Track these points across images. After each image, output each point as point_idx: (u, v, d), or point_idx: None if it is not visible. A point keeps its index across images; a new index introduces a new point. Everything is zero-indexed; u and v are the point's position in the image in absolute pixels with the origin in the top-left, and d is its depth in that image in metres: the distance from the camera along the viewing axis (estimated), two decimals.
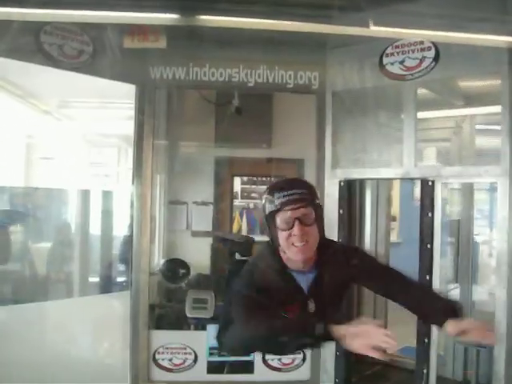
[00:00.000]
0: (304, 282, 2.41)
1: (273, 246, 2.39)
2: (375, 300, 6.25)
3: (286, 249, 2.31)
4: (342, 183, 4.77)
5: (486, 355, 5.17)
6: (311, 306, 2.44)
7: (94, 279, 5.49)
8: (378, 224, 6.24)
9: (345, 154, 4.82)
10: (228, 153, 5.88)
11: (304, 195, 2.28)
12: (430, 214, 4.35)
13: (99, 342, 4.77)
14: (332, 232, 4.77)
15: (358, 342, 2.01)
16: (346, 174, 4.80)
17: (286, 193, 2.28)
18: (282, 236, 2.29)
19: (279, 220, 2.28)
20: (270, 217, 2.31)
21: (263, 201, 2.36)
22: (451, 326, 2.29)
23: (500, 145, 4.12)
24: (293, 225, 2.26)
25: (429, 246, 4.34)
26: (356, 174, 4.79)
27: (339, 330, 2.06)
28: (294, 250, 2.29)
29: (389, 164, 4.63)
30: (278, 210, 2.28)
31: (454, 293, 5.67)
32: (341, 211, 4.76)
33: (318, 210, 2.34)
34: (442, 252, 4.41)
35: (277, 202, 2.28)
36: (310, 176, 5.21)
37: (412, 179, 4.91)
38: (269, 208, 2.31)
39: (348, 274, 2.49)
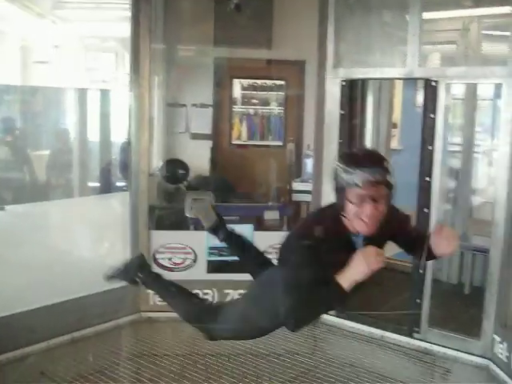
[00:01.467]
0: (358, 242, 2.40)
1: (336, 209, 2.37)
2: None
3: (352, 219, 2.30)
4: (343, 83, 4.67)
5: (481, 259, 5.27)
6: None
7: (94, 183, 5.51)
8: (379, 128, 6.18)
9: (347, 54, 4.69)
10: (227, 54, 5.75)
11: (382, 175, 2.23)
12: (432, 116, 4.28)
13: (100, 241, 4.81)
14: (333, 133, 4.73)
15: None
16: (348, 73, 4.68)
17: (365, 170, 2.21)
18: (350, 207, 2.27)
19: (352, 194, 2.25)
20: (343, 188, 2.28)
21: (337, 168, 2.32)
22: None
23: (507, 48, 4.00)
24: (366, 202, 2.23)
25: (430, 147, 4.29)
26: (358, 73, 4.68)
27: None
28: (360, 224, 2.28)
29: (392, 64, 4.51)
30: (353, 186, 2.24)
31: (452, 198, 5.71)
32: (342, 112, 4.69)
33: (390, 187, 2.28)
34: (442, 157, 4.36)
35: (355, 177, 2.22)
36: (311, 76, 5.11)
37: (415, 79, 4.82)
38: (344, 180, 2.27)
39: (391, 235, 2.57)
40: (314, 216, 2.67)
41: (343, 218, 2.34)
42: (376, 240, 2.36)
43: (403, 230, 2.62)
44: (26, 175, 5.30)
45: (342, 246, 2.36)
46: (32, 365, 4.01)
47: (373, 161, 2.28)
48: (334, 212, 2.39)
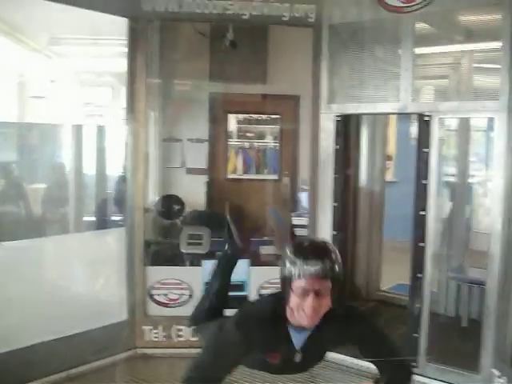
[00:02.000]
0: (299, 337, 2.38)
1: (281, 299, 2.31)
2: (370, 239, 6.29)
3: (294, 310, 2.26)
4: (338, 118, 4.71)
5: (478, 291, 5.25)
6: (298, 358, 2.44)
7: (90, 218, 5.50)
8: (373, 162, 6.22)
9: (341, 89, 4.74)
10: (223, 89, 5.80)
11: (326, 268, 2.19)
12: (426, 150, 4.31)
13: (95, 277, 4.79)
14: (328, 168, 4.76)
15: None
16: (343, 108, 4.73)
17: (309, 262, 2.19)
18: (294, 299, 2.23)
19: (296, 286, 2.21)
20: (288, 278, 2.25)
21: (286, 257, 2.27)
22: None
23: (499, 82, 4.05)
24: (308, 295, 2.21)
25: (424, 181, 4.32)
26: (352, 108, 4.72)
27: None
28: (302, 315, 2.24)
29: (386, 99, 4.56)
30: (297, 277, 2.22)
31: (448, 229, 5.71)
32: (337, 147, 4.72)
33: (336, 280, 2.25)
34: (437, 189, 4.38)
35: (298, 269, 2.19)
36: (305, 111, 5.15)
37: (409, 114, 4.86)
38: (288, 270, 2.23)
39: (346, 340, 2.49)
40: (256, 304, 2.64)
41: (287, 309, 2.30)
42: (319, 340, 2.37)
43: (363, 341, 2.47)
44: (21, 210, 5.30)
45: (280, 339, 2.35)
46: None
47: (319, 253, 2.22)
48: (278, 302, 2.33)
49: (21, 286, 4.47)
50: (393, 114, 5.25)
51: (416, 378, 4.35)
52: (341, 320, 2.36)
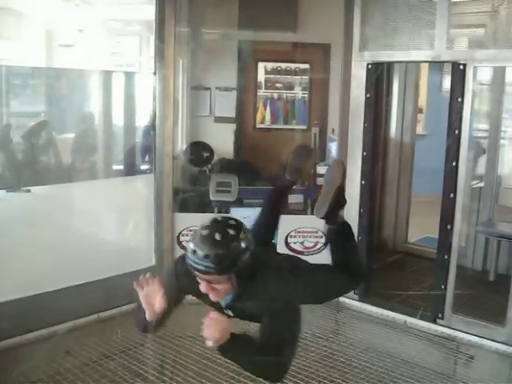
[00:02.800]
0: (224, 299, 2.47)
1: None
2: (398, 191, 6.24)
3: None
4: (369, 66, 4.62)
5: (507, 245, 5.22)
6: (229, 313, 2.54)
7: (118, 166, 5.54)
8: (404, 113, 6.12)
9: (373, 37, 4.63)
10: (252, 37, 5.71)
11: (211, 266, 2.23)
12: (459, 99, 4.22)
13: (124, 223, 4.84)
14: (358, 117, 4.70)
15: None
16: (375, 56, 4.62)
17: (195, 256, 2.25)
18: None
19: None
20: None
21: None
22: None
23: None
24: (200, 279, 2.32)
25: (457, 131, 4.23)
26: (385, 56, 4.62)
27: None
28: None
29: (419, 47, 4.45)
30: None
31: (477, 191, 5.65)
32: (368, 95, 4.65)
33: (229, 270, 2.28)
34: (469, 143, 4.30)
35: (187, 259, 2.30)
36: (336, 59, 5.07)
37: (443, 62, 4.75)
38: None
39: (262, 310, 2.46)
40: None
41: None
42: (241, 304, 2.45)
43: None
44: (51, 158, 5.35)
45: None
46: (58, 344, 4.06)
47: (207, 248, 2.24)
48: None
49: (52, 232, 4.57)
50: (426, 62, 5.12)
51: (442, 329, 4.39)
52: (258, 292, 2.41)
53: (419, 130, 7.90)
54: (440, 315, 4.43)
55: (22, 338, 4.07)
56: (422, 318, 4.52)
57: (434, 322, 4.47)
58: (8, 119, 5.04)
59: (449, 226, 4.33)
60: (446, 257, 4.36)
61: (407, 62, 5.37)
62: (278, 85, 6.50)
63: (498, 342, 4.16)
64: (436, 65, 7.36)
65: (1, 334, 3.95)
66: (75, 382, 3.69)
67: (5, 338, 3.98)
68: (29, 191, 4.84)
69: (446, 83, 8.25)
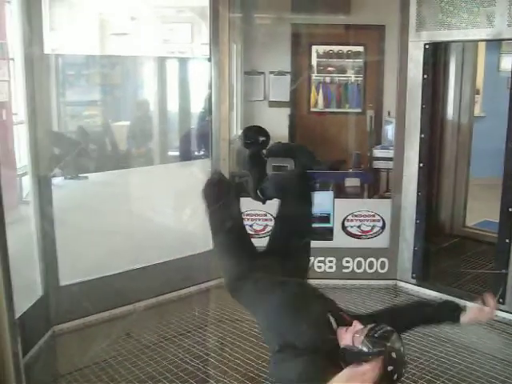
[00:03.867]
0: None
1: None
2: (456, 174, 6.12)
3: None
4: (427, 46, 4.52)
5: None
6: None
7: (174, 152, 5.59)
8: (462, 94, 5.98)
9: (430, 16, 4.52)
10: (305, 20, 5.68)
11: None
12: None
13: (182, 208, 4.88)
14: (415, 98, 4.62)
15: None
16: (432, 36, 4.52)
17: None
18: None
19: None
20: None
21: None
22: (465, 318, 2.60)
23: None
24: None
25: None
26: (443, 35, 4.50)
27: None
28: None
29: (478, 25, 4.32)
30: None
31: None
32: (425, 76, 4.56)
33: None
34: None
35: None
36: (390, 41, 5.00)
37: (504, 40, 4.61)
38: None
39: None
40: None
41: None
42: None
43: None
44: (107, 146, 5.44)
45: None
46: (119, 326, 4.16)
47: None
48: None
49: (111, 218, 4.65)
50: (487, 40, 4.98)
51: (503, 314, 4.30)
52: None
53: (477, 111, 7.71)
54: (501, 300, 4.33)
55: (85, 320, 4.18)
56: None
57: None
58: (65, 108, 5.12)
59: (510, 209, 4.22)
60: (507, 240, 4.25)
61: (466, 42, 5.23)
62: (329, 68, 6.46)
63: None
64: (493, 44, 7.17)
65: (65, 316, 4.07)
66: (137, 363, 3.76)
67: (68, 320, 4.10)
68: (86, 178, 4.94)
69: (504, 63, 8.07)
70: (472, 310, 2.61)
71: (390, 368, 2.13)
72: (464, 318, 2.58)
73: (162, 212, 4.99)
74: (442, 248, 5.65)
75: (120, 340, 4.00)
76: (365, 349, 2.18)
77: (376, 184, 5.63)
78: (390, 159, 5.10)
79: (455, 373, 3.56)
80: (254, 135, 5.27)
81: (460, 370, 3.60)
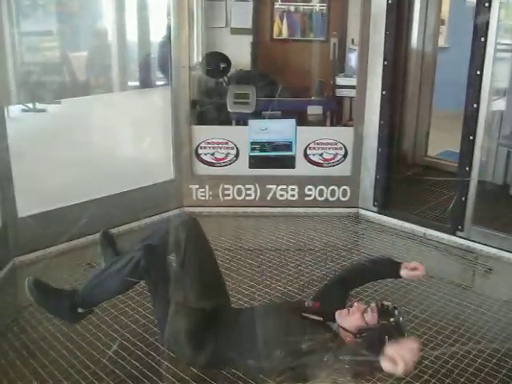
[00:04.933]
0: None
1: None
2: (419, 104, 6.11)
3: None
4: None
5: None
6: None
7: (134, 81, 5.45)
8: (426, 23, 5.89)
9: None
10: None
11: None
12: (486, 4, 4.03)
13: (142, 137, 4.79)
14: (379, 24, 4.55)
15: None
16: None
17: None
18: None
19: None
20: None
21: None
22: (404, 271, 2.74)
23: None
24: None
25: (483, 39, 4.07)
26: None
27: None
28: None
29: None
30: None
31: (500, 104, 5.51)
32: (389, 1, 4.46)
33: None
34: (495, 50, 4.13)
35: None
36: None
37: None
38: None
39: None
40: None
41: None
42: None
43: None
44: (65, 76, 5.27)
45: None
46: (80, 257, 4.12)
47: None
48: None
49: (70, 149, 4.54)
50: None
51: (461, 241, 4.39)
52: None
53: (441, 42, 7.66)
54: (460, 227, 4.41)
55: (46, 252, 4.13)
56: (441, 230, 4.51)
57: (454, 234, 4.45)
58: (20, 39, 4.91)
59: (471, 137, 4.24)
60: (467, 169, 4.29)
61: None
62: None
63: None
64: None
65: (25, 247, 4.02)
66: None
67: (29, 251, 4.05)
68: (44, 111, 4.81)
69: None
70: (406, 265, 2.75)
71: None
72: (403, 272, 2.73)
73: (122, 141, 4.90)
74: (404, 177, 5.69)
75: (82, 270, 3.98)
76: (385, 324, 2.30)
77: (339, 112, 5.60)
78: (352, 87, 5.05)
79: (413, 297, 3.63)
80: (215, 62, 5.21)
81: (418, 295, 3.68)
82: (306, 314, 2.49)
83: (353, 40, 5.60)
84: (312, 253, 4.30)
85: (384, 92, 4.63)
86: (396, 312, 2.36)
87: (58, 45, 5.21)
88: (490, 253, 4.27)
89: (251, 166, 4.84)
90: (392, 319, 2.32)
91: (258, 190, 4.87)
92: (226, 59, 5.11)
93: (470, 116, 4.20)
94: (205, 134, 4.82)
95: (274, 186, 4.83)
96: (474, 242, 4.36)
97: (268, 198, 4.89)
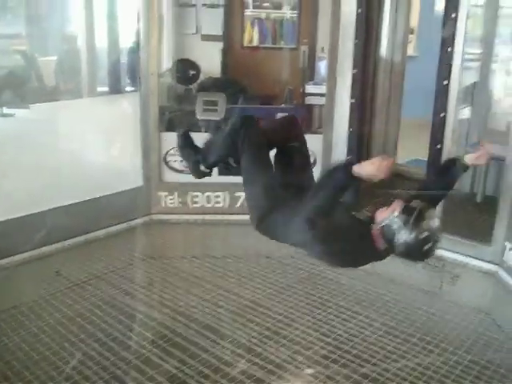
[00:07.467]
0: None
1: None
2: (388, 112, 6.15)
3: None
4: None
5: (496, 167, 5.21)
6: None
7: (103, 87, 5.41)
8: (395, 32, 5.95)
9: None
10: None
11: None
12: (453, 15, 4.09)
13: (110, 143, 4.74)
14: (348, 32, 4.58)
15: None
16: None
17: None
18: None
19: None
20: None
21: None
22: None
23: None
24: None
25: (450, 49, 4.12)
26: None
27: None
28: None
29: None
30: None
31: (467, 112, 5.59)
32: (359, 10, 4.50)
33: None
34: (462, 61, 4.19)
35: None
36: None
37: None
38: None
39: None
40: None
41: None
42: None
43: None
44: (34, 81, 5.22)
45: None
46: (48, 265, 4.07)
47: None
48: None
49: (38, 154, 4.48)
50: None
51: None
52: None
53: (410, 51, 7.73)
54: None
55: (12, 260, 4.01)
56: None
57: None
58: None
59: (439, 146, 4.29)
60: (433, 178, 4.32)
61: None
62: (265, 4, 6.32)
63: (484, 260, 4.18)
64: None
65: None
66: (65, 302, 3.72)
67: None
68: (12, 115, 4.75)
69: (439, 4, 8.09)
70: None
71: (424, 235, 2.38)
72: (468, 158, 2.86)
73: (90, 147, 4.84)
74: (371, 184, 5.70)
75: (49, 278, 3.93)
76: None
77: (308, 120, 5.61)
78: (322, 95, 5.06)
79: (381, 304, 3.65)
80: (184, 68, 5.18)
81: (386, 302, 3.70)
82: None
83: (322, 48, 5.62)
84: (280, 260, 4.30)
85: (353, 100, 4.66)
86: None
87: (26, 48, 5.17)
88: (457, 260, 4.29)
89: (221, 173, 4.81)
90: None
91: (228, 198, 4.86)
92: (195, 66, 5.08)
93: (438, 125, 4.25)
94: (174, 140, 4.77)
95: (243, 194, 4.80)
96: (442, 249, 4.39)
97: (237, 205, 4.88)
